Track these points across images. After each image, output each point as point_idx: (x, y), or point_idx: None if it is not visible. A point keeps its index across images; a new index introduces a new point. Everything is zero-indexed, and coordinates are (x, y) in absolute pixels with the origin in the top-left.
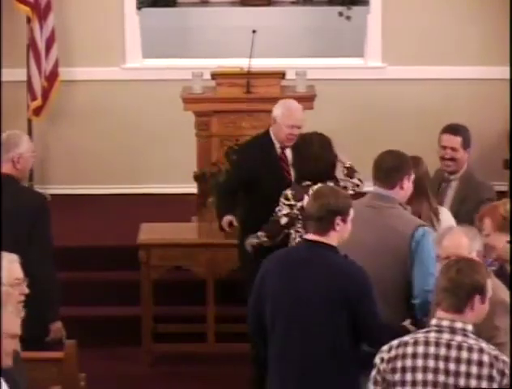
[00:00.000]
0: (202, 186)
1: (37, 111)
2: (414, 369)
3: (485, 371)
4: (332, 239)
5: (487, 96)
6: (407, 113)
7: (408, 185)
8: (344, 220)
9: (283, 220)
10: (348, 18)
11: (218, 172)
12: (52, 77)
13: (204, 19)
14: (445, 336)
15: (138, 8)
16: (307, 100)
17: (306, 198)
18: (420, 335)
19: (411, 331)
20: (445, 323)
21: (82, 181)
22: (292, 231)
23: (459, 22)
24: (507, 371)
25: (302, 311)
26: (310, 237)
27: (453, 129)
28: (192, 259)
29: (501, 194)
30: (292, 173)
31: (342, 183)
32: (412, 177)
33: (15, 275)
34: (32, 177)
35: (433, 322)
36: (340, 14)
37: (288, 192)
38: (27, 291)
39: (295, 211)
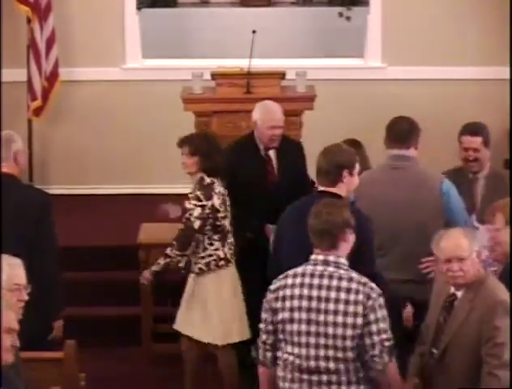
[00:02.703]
0: None
1: (37, 111)
2: (292, 297)
3: (352, 297)
4: (341, 190)
5: (487, 96)
6: (406, 113)
7: (418, 145)
8: (351, 173)
9: (197, 224)
10: (348, 18)
11: None
12: (52, 77)
13: (204, 19)
14: (319, 268)
15: (138, 8)
16: (307, 100)
17: (215, 197)
18: (300, 268)
19: None
20: (320, 257)
21: (82, 181)
22: (202, 238)
23: (459, 22)
24: (374, 295)
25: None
26: (321, 188)
27: (472, 130)
28: None
29: None
30: (276, 174)
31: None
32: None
33: (15, 281)
34: (32, 177)
35: (312, 257)
36: (340, 14)
37: (198, 193)
38: (26, 298)
39: (206, 210)
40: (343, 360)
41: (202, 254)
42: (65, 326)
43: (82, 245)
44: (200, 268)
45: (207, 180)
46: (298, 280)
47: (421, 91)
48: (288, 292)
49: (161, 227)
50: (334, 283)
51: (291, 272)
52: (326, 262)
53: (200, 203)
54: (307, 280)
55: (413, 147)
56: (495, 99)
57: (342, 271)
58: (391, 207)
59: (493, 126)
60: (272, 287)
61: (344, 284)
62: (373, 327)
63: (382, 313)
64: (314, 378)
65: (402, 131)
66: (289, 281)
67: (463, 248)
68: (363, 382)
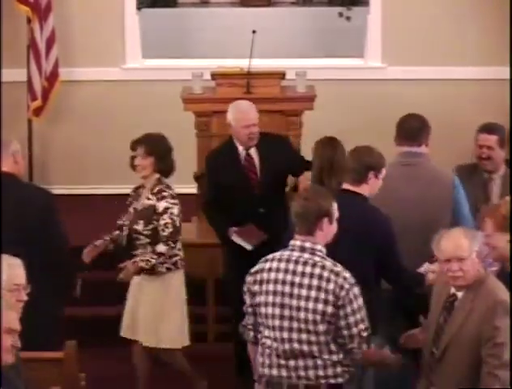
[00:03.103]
0: (202, 186)
1: (37, 111)
2: (268, 281)
3: (323, 284)
4: (364, 190)
5: (487, 96)
6: (407, 113)
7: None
8: (376, 176)
9: (178, 222)
10: (348, 18)
11: None
12: (52, 77)
13: (204, 19)
14: (296, 254)
15: (138, 8)
16: (307, 100)
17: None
18: (278, 253)
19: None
20: (297, 243)
21: (82, 181)
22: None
23: (459, 22)
24: (346, 285)
25: (334, 248)
26: (345, 186)
27: (488, 128)
28: (192, 259)
29: None
30: (258, 174)
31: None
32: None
33: (15, 281)
34: (32, 177)
35: (290, 242)
36: (340, 14)
37: (170, 191)
38: (25, 298)
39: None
40: (315, 343)
41: (170, 253)
42: (65, 326)
43: (82, 245)
44: (168, 268)
45: (165, 180)
46: (275, 265)
47: (421, 91)
48: (265, 275)
49: None
50: (308, 269)
51: (270, 256)
52: (302, 249)
53: (175, 201)
54: (283, 265)
55: (424, 144)
56: (495, 99)
57: (317, 258)
58: (402, 204)
59: None
60: (252, 269)
61: (317, 271)
62: (351, 319)
63: (358, 303)
64: (291, 363)
65: (413, 129)
66: (267, 265)
67: (463, 248)
68: (339, 365)
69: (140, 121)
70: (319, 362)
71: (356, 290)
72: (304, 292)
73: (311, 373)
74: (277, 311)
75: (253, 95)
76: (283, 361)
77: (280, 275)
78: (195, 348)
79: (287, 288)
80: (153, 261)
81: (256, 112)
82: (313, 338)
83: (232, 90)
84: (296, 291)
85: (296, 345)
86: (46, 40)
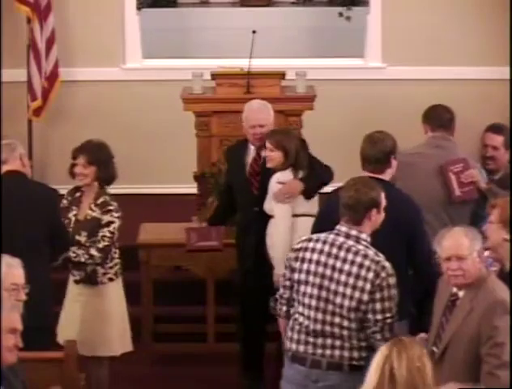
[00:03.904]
0: (202, 186)
1: (37, 111)
2: (310, 261)
3: (363, 273)
4: (387, 176)
5: (487, 96)
6: (407, 113)
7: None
8: (395, 158)
9: (116, 236)
10: (348, 18)
11: (218, 172)
12: (52, 77)
13: (204, 19)
14: (340, 239)
15: (138, 8)
16: (307, 100)
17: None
18: (323, 235)
19: None
20: (343, 229)
21: None
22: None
23: (459, 22)
24: (383, 274)
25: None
26: (368, 175)
27: (496, 128)
28: (192, 259)
29: None
30: (261, 174)
31: None
32: None
33: (12, 281)
34: (32, 177)
35: (336, 227)
36: (340, 14)
37: (115, 204)
38: (24, 298)
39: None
40: (347, 328)
41: (111, 264)
42: None
43: None
44: (110, 278)
45: (107, 189)
46: (319, 246)
47: (421, 91)
48: (307, 255)
49: (161, 227)
50: (350, 256)
51: (315, 237)
52: (347, 235)
53: (119, 215)
54: (326, 248)
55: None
56: (495, 99)
57: (360, 247)
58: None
59: None
60: (296, 246)
61: (359, 259)
62: (378, 305)
63: (390, 292)
64: (319, 340)
65: (445, 119)
66: (311, 245)
67: (463, 247)
68: (364, 350)
69: (140, 121)
70: (346, 344)
71: (392, 280)
72: (343, 277)
73: (337, 352)
74: (315, 292)
75: (253, 95)
76: (311, 339)
77: (323, 258)
78: (195, 348)
79: (328, 271)
80: (82, 260)
81: (268, 113)
82: (345, 323)
83: (232, 90)
84: (336, 275)
85: (327, 327)
86: (46, 40)
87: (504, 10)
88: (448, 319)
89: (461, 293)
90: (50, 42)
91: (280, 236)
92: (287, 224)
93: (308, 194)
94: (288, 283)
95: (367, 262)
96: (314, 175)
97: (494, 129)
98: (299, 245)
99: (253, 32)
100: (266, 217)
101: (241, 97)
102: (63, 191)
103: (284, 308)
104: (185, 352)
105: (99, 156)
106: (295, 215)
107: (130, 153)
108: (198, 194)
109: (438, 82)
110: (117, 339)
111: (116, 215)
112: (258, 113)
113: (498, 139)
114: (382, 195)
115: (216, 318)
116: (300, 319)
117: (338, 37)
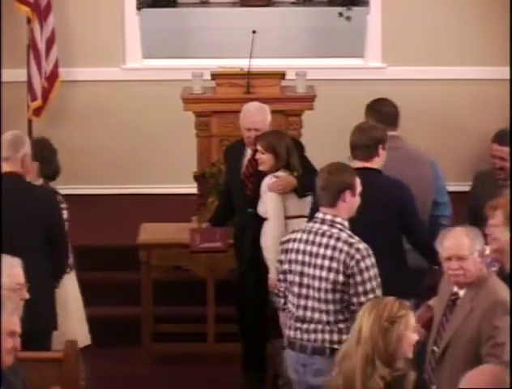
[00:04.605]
0: (202, 186)
1: (37, 111)
2: (291, 251)
3: (336, 254)
4: (376, 164)
5: (487, 96)
6: (406, 113)
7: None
8: (384, 148)
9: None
10: (348, 18)
11: (218, 172)
12: (52, 77)
13: (204, 19)
14: (317, 226)
15: (138, 8)
16: (307, 100)
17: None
18: (306, 225)
19: None
20: (320, 215)
21: (82, 181)
22: None
23: (459, 22)
24: (358, 256)
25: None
26: (358, 164)
27: (500, 138)
28: (192, 259)
29: None
30: (254, 175)
31: None
32: None
33: (17, 281)
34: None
35: (315, 215)
36: (340, 14)
37: (60, 197)
38: (27, 296)
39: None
40: (325, 311)
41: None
42: None
43: (82, 245)
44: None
45: (50, 185)
46: (299, 236)
47: (421, 91)
48: (290, 245)
49: (161, 227)
50: (324, 240)
51: (298, 228)
52: (323, 221)
53: (65, 206)
54: (305, 236)
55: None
56: (495, 99)
57: (334, 230)
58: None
59: (493, 126)
60: (283, 239)
61: (332, 242)
62: (360, 288)
63: (369, 273)
64: (304, 326)
65: (391, 114)
66: (293, 236)
67: (464, 247)
68: (345, 333)
69: (140, 121)
70: (326, 328)
71: (369, 261)
72: (319, 261)
73: (319, 336)
74: (297, 279)
75: (253, 95)
76: (299, 325)
77: (301, 246)
78: (195, 348)
79: (306, 258)
80: None
81: (264, 118)
82: (323, 306)
83: (232, 90)
84: (313, 260)
85: (308, 313)
86: (46, 40)
87: (504, 10)
88: (448, 319)
89: (462, 293)
90: (50, 42)
91: (273, 239)
92: (280, 226)
93: (301, 192)
94: (281, 276)
95: (339, 244)
96: (308, 175)
97: (499, 140)
98: (286, 238)
99: (253, 32)
100: (261, 218)
101: (241, 97)
102: (63, 191)
103: (282, 301)
104: (185, 352)
105: (40, 153)
106: (288, 217)
107: (130, 153)
108: (198, 194)
109: (438, 82)
110: (79, 330)
111: (61, 206)
112: (255, 117)
113: (504, 150)
114: (357, 179)
115: (216, 318)
116: (290, 307)
117: (338, 37)
